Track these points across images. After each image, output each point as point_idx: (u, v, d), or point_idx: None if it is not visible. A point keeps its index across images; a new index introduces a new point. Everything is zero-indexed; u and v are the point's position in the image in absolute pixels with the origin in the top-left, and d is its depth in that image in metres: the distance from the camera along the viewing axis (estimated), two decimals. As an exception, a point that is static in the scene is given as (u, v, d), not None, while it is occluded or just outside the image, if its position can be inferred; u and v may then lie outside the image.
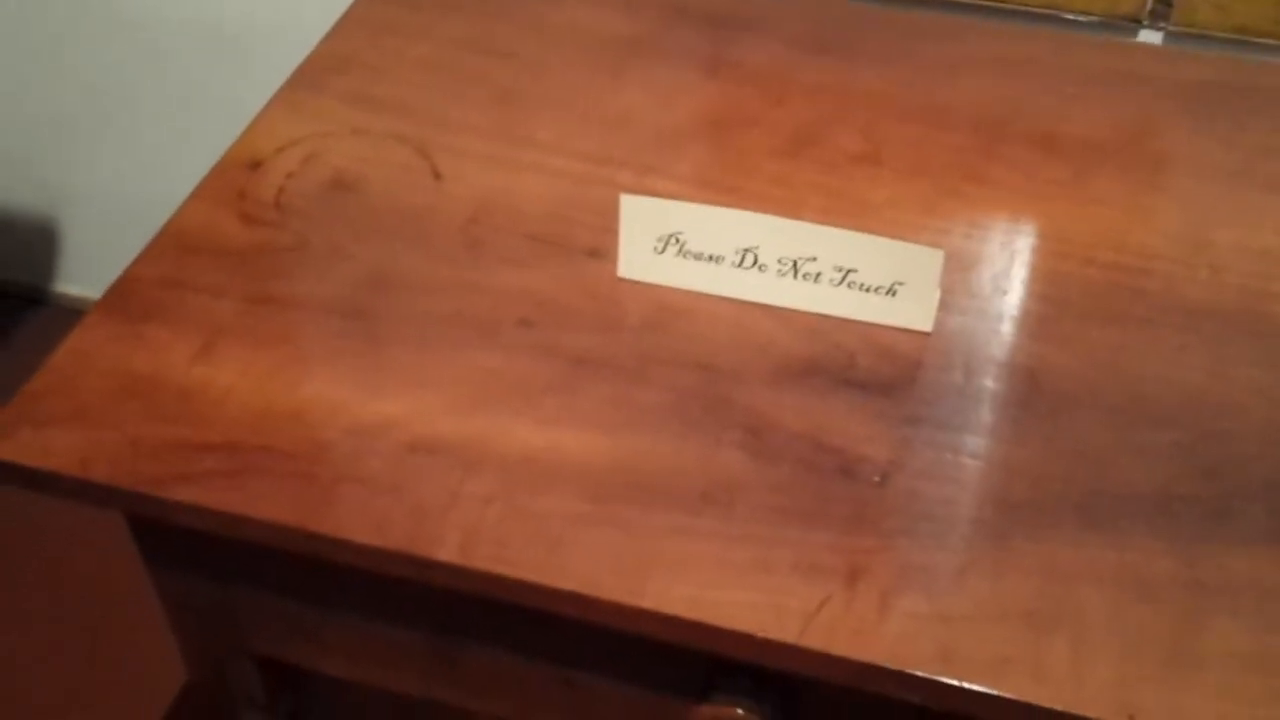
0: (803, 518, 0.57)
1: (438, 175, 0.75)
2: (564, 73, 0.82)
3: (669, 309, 0.67)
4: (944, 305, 0.67)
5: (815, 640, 0.52)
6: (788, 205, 0.73)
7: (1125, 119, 0.78)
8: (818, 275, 0.65)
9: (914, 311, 0.65)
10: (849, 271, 0.65)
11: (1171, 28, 1.02)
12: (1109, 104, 0.80)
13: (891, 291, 0.65)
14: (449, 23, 0.87)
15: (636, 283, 0.68)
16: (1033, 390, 0.63)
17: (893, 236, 0.64)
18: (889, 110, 0.80)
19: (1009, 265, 0.69)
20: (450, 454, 0.60)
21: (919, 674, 0.51)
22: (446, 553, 0.56)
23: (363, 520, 0.57)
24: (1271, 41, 0.94)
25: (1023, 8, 1.07)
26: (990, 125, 0.78)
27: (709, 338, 0.65)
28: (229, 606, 0.69)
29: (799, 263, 0.65)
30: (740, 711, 0.58)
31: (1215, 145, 0.76)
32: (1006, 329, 0.66)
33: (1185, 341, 0.65)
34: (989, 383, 0.63)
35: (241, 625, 0.70)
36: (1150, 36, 1.04)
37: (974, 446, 0.60)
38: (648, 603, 0.54)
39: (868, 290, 0.65)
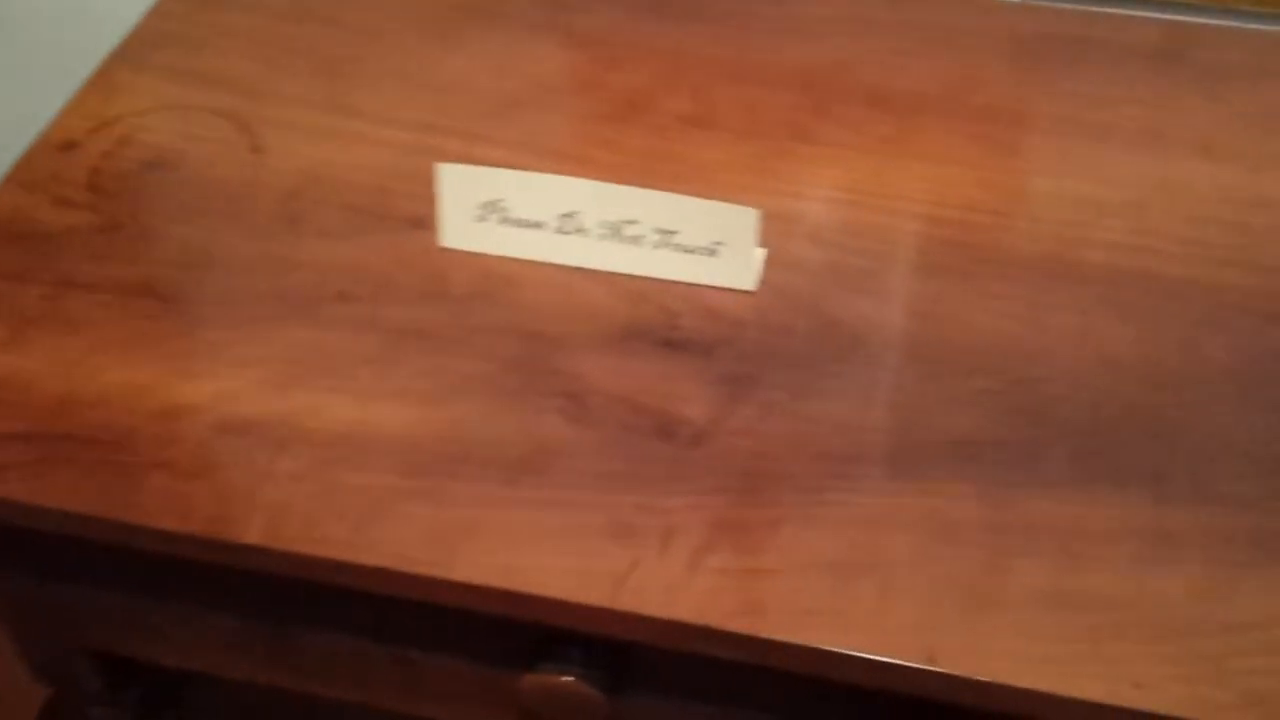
0: (618, 480, 0.57)
1: (258, 149, 0.73)
2: (394, 40, 0.81)
3: (492, 277, 0.66)
4: (769, 263, 0.67)
5: (626, 602, 0.52)
6: (618, 170, 0.72)
7: (954, 73, 0.79)
8: (639, 238, 0.65)
9: (735, 271, 0.65)
10: (670, 233, 0.65)
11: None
12: (939, 59, 0.80)
13: (712, 252, 0.65)
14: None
15: (459, 252, 0.67)
16: (852, 344, 0.63)
17: (722, 198, 0.64)
18: (722, 72, 0.79)
19: (833, 222, 0.69)
20: (261, 433, 0.59)
21: (726, 629, 0.51)
22: (252, 535, 0.55)
23: (167, 506, 0.55)
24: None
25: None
26: (821, 84, 0.78)
27: (532, 305, 0.65)
28: (62, 603, 0.67)
29: (620, 226, 0.65)
30: (568, 679, 0.58)
31: (1040, 96, 0.77)
32: (829, 285, 0.66)
33: (1002, 291, 0.65)
34: (809, 339, 0.63)
35: (78, 621, 0.68)
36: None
37: (790, 402, 0.60)
38: (458, 574, 0.53)
39: (689, 251, 0.65)
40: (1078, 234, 0.68)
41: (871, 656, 0.50)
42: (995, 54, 0.80)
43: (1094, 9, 0.85)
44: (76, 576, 0.65)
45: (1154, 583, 0.52)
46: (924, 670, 0.50)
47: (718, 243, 0.64)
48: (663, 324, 0.64)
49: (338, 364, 0.62)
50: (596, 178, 0.65)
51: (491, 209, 0.66)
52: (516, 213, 0.66)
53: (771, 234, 0.68)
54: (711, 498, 0.56)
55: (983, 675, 0.50)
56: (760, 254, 0.66)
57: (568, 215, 0.65)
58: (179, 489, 0.56)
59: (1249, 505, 0.55)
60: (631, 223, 0.65)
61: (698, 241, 0.64)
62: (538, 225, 0.66)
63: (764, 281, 0.66)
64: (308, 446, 0.58)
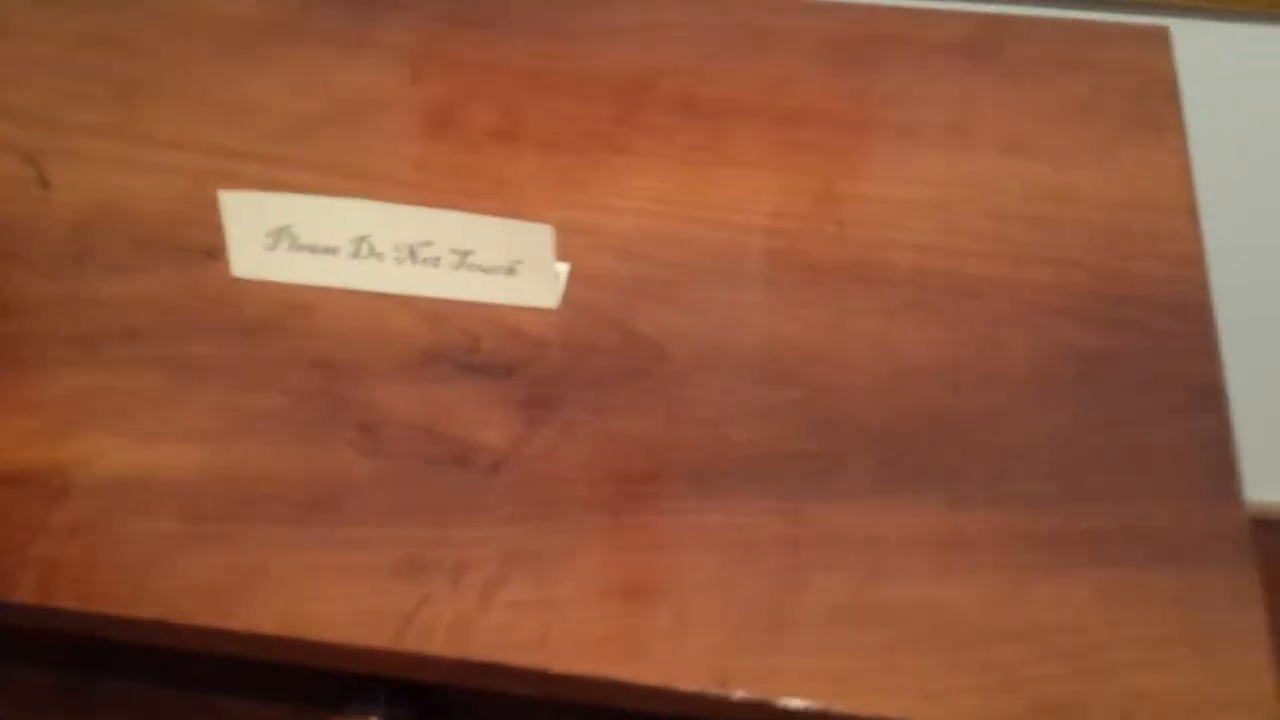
0: (412, 514, 0.55)
1: (45, 183, 0.70)
2: (191, 63, 0.78)
3: (286, 307, 0.64)
4: (574, 279, 0.65)
5: (411, 643, 0.50)
6: (423, 189, 0.70)
7: (764, 78, 0.78)
8: (437, 260, 0.63)
9: (535, 289, 0.63)
10: (466, 253, 0.63)
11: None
12: (750, 63, 0.79)
13: (511, 271, 0.63)
14: (74, 18, 0.81)
15: (252, 282, 0.65)
16: (656, 359, 0.62)
17: (529, 213, 0.62)
18: (530, 84, 0.78)
19: (640, 234, 0.68)
20: (35, 484, 0.56)
21: (514, 664, 0.50)
22: (23, 593, 0.52)
23: (-71, 566, 0.52)
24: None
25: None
26: (631, 93, 0.77)
27: (327, 333, 0.63)
28: None
29: (416, 248, 0.63)
30: (368, 720, 0.56)
31: (850, 98, 0.77)
32: (634, 299, 0.65)
33: (808, 299, 0.65)
34: (612, 355, 0.62)
35: None
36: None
37: (593, 423, 0.59)
38: (236, 624, 0.51)
39: (487, 271, 0.63)
40: (885, 236, 0.68)
41: (662, 685, 0.49)
42: (806, 56, 0.80)
43: (905, 5, 0.85)
44: None
45: (949, 591, 0.52)
46: (717, 697, 0.49)
47: (516, 261, 0.63)
48: (463, 347, 0.62)
49: (121, 406, 0.59)
50: (400, 197, 0.63)
51: (282, 236, 0.64)
52: (307, 239, 0.63)
53: (577, 249, 0.67)
54: (507, 527, 0.55)
55: (776, 698, 0.49)
56: (563, 270, 0.65)
57: (361, 239, 0.63)
58: (-58, 549, 0.53)
59: (1045, 507, 0.55)
60: (427, 244, 0.63)
61: (495, 261, 0.63)
62: (331, 251, 0.64)
63: (567, 298, 0.65)
64: (85, 496, 0.55)
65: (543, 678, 0.50)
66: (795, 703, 0.48)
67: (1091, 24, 0.81)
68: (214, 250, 0.66)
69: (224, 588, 0.52)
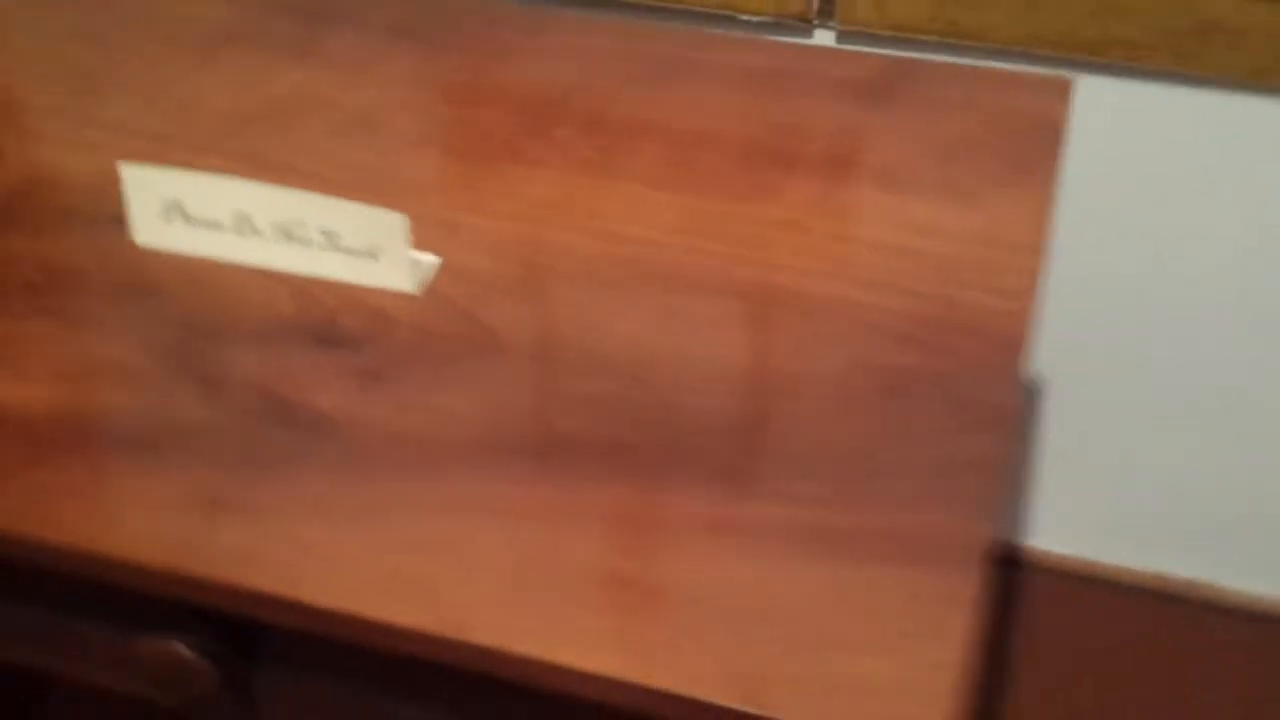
0: (229, 459, 0.60)
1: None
2: (152, 59, 0.86)
3: (174, 273, 0.70)
4: (444, 271, 0.70)
5: (201, 568, 0.55)
6: (329, 184, 0.76)
7: (670, 102, 0.83)
8: (308, 240, 0.69)
9: (394, 274, 0.68)
10: (334, 235, 0.68)
11: (839, 26, 1.07)
12: (661, 89, 0.84)
13: (372, 255, 0.68)
14: (54, 16, 0.90)
15: (151, 250, 0.71)
16: (494, 347, 0.66)
17: (422, 214, 0.67)
18: (454, 95, 0.83)
19: (517, 237, 0.73)
20: (-93, 405, 0.62)
21: (296, 599, 0.54)
22: None
23: None
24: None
25: (696, 8, 1.12)
26: (545, 109, 0.82)
27: (202, 300, 0.69)
28: None
29: (290, 227, 0.69)
30: (174, 645, 0.60)
31: (747, 125, 0.81)
32: (491, 294, 0.69)
33: (654, 304, 0.68)
34: (454, 340, 0.66)
35: None
36: (824, 37, 1.10)
37: (419, 397, 0.63)
38: (54, 537, 0.57)
39: (352, 254, 0.68)
40: (743, 254, 0.71)
41: (418, 629, 0.53)
42: (716, 85, 0.84)
43: (827, 46, 0.89)
44: None
45: (705, 570, 0.55)
46: (459, 641, 0.53)
47: (376, 246, 0.68)
48: (322, 321, 0.67)
49: (3, 349, 0.65)
50: (310, 189, 0.69)
51: (175, 209, 0.70)
52: (196, 212, 0.69)
53: (455, 245, 0.72)
54: (316, 482, 0.59)
55: (510, 647, 0.52)
56: (430, 261, 0.70)
57: (243, 216, 0.69)
58: None
59: (816, 506, 0.58)
60: (300, 224, 0.68)
61: (357, 244, 0.68)
62: (216, 225, 0.70)
63: (433, 288, 0.69)
64: (-52, 420, 0.62)
65: (324, 615, 0.54)
66: (521, 649, 0.52)
67: (996, 72, 0.84)
68: (122, 219, 0.73)
69: (47, 504, 0.58)
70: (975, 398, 0.62)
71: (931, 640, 0.51)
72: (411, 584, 0.55)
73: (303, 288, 0.69)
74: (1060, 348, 1.19)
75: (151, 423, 0.62)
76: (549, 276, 0.70)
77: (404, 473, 0.60)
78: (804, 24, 1.13)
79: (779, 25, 1.13)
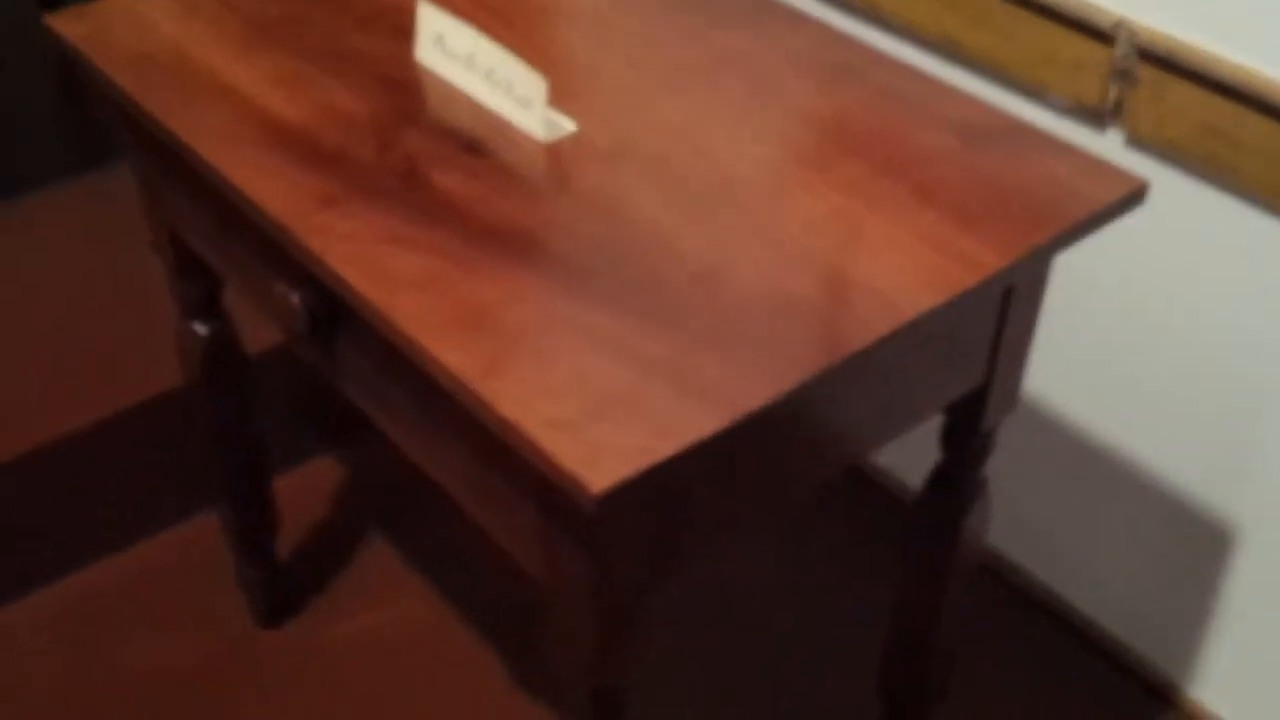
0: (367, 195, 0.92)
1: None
2: None
3: (427, 76, 1.04)
4: (575, 141, 0.98)
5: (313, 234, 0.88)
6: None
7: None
8: (495, 83, 0.99)
9: (533, 122, 0.97)
10: (509, 85, 0.98)
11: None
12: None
13: (526, 105, 0.97)
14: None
15: (426, 68, 1.05)
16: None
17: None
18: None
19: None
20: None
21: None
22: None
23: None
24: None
25: (1012, 72, 1.29)
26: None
27: (431, 95, 1.02)
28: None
29: (490, 71, 1.00)
30: (282, 288, 0.94)
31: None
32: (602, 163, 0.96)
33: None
34: (544, 179, 0.94)
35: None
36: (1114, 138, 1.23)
37: (506, 200, 0.92)
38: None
39: (515, 99, 0.98)
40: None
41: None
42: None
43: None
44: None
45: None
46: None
47: (528, 98, 0.97)
48: (475, 138, 0.98)
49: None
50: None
51: (437, 39, 1.03)
52: (451, 46, 1.02)
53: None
54: (399, 218, 0.90)
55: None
56: (566, 124, 0.98)
57: (470, 58, 1.01)
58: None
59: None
60: (493, 71, 0.99)
61: (520, 93, 0.97)
62: (456, 58, 1.02)
63: (556, 144, 0.97)
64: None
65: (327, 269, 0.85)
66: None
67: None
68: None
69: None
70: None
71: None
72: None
73: (480, 113, 1.00)
74: None
75: (347, 165, 0.95)
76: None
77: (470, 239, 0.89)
78: (1097, 117, 1.25)
79: (1077, 110, 1.26)
